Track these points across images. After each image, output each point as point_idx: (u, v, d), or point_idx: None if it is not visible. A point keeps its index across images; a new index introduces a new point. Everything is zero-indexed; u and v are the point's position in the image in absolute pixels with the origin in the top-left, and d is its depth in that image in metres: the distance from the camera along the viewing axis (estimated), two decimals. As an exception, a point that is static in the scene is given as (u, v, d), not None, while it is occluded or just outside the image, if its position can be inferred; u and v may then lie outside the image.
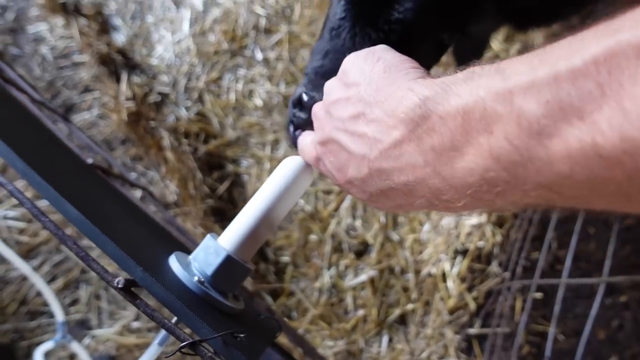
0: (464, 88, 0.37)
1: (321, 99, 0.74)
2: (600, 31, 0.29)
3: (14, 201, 1.66)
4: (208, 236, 0.57)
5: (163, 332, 0.57)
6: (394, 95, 0.43)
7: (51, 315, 1.56)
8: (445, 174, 0.38)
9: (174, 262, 0.54)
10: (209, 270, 0.54)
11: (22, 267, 0.92)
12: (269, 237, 1.55)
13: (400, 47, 0.74)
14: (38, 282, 0.96)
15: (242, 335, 0.48)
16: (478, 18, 0.88)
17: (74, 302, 1.57)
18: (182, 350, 0.43)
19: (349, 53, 0.78)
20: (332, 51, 0.75)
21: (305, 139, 0.62)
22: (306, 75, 0.76)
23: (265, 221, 0.58)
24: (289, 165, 0.62)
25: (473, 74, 0.37)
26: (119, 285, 0.44)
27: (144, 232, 0.63)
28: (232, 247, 0.56)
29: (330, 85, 0.56)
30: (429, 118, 0.39)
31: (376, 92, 0.46)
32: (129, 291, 0.45)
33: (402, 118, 0.41)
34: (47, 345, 1.08)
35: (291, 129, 0.73)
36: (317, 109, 0.57)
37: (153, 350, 0.58)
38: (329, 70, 0.73)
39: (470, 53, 1.22)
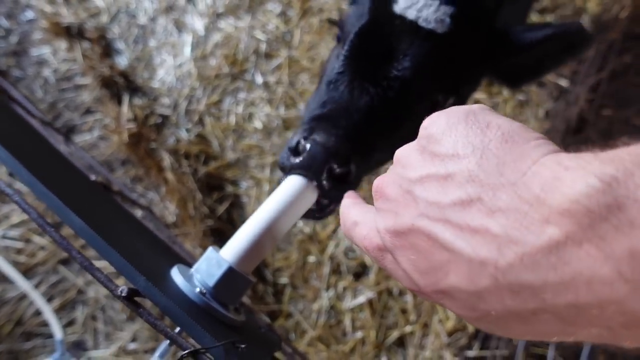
0: None
1: (322, 141, 0.69)
2: None
3: (12, 221, 1.66)
4: (210, 248, 0.58)
5: (164, 344, 0.57)
6: (534, 175, 0.32)
7: (46, 336, 1.55)
8: None
9: (176, 274, 0.55)
10: (211, 282, 0.55)
11: (23, 284, 0.92)
12: (270, 251, 1.55)
13: (397, 104, 0.75)
14: (37, 299, 0.95)
15: (243, 346, 0.48)
16: (474, 80, 0.89)
17: (70, 322, 1.56)
18: (184, 358, 0.44)
19: (348, 104, 0.73)
20: (330, 102, 0.74)
21: (351, 210, 0.48)
22: (303, 124, 0.74)
23: (267, 234, 0.59)
24: (293, 182, 0.63)
25: None
26: (123, 294, 0.45)
27: (146, 245, 0.63)
28: (234, 259, 0.57)
29: (407, 154, 0.42)
30: (623, 208, 0.27)
31: (499, 169, 0.34)
32: (132, 300, 0.46)
33: (565, 209, 0.29)
34: (46, 363, 1.07)
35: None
36: (385, 184, 0.42)
37: (154, 362, 0.58)
38: (328, 117, 0.72)
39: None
